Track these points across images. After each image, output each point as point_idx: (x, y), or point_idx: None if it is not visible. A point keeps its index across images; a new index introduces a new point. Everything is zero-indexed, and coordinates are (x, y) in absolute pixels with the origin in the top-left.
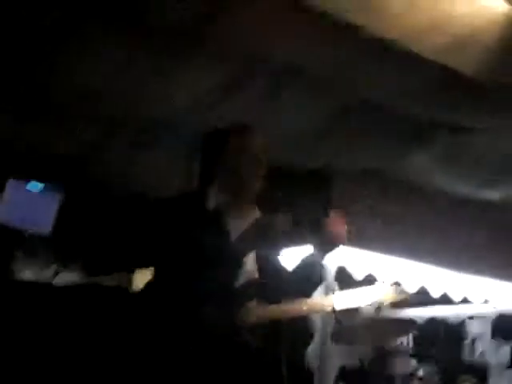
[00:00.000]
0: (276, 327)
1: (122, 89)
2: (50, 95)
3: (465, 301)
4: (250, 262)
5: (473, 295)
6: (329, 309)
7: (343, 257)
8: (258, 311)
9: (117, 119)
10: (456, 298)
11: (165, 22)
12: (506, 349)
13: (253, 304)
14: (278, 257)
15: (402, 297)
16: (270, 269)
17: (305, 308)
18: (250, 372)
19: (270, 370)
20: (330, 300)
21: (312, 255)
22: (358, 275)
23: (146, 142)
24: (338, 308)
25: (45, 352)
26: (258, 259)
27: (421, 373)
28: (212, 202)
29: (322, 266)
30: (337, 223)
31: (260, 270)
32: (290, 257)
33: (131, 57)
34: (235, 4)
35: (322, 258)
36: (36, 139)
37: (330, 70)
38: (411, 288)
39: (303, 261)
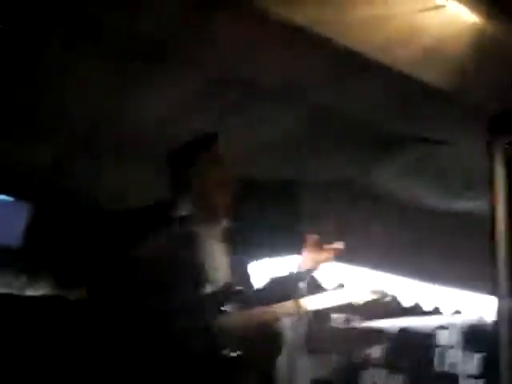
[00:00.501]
0: (250, 335)
1: (91, 101)
2: (19, 109)
3: (435, 311)
4: (223, 267)
5: (443, 306)
6: (302, 311)
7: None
8: (234, 318)
9: (86, 131)
10: (427, 308)
11: (137, 35)
12: (475, 359)
13: (229, 311)
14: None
15: (376, 297)
16: (243, 275)
17: (279, 311)
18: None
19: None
20: (302, 303)
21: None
22: (328, 285)
23: (115, 154)
24: (310, 309)
25: (12, 363)
26: (233, 265)
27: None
28: (181, 213)
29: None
30: (313, 247)
31: (234, 275)
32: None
33: (102, 69)
34: (209, 19)
35: (304, 279)
36: (4, 151)
37: (300, 81)
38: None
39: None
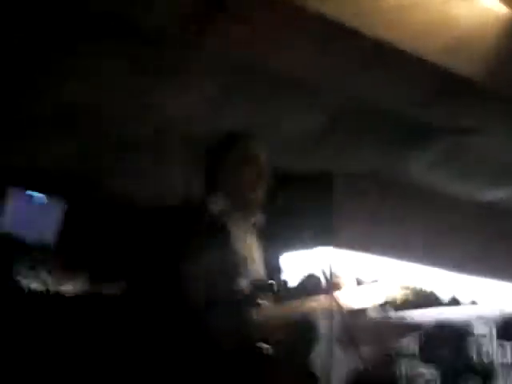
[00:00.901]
0: (286, 329)
1: (120, 102)
2: (52, 110)
3: (471, 302)
4: (258, 261)
5: (478, 296)
6: (337, 306)
7: (347, 260)
8: (268, 311)
9: (116, 132)
10: (463, 299)
11: (159, 36)
12: (510, 349)
13: (263, 304)
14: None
15: (412, 295)
16: (277, 268)
17: (314, 305)
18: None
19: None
20: (337, 297)
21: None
22: (364, 278)
23: (146, 153)
24: (345, 306)
25: (49, 360)
26: (267, 259)
27: (426, 374)
28: (215, 210)
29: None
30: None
31: (268, 269)
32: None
33: (129, 71)
34: (228, 12)
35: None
36: (38, 152)
37: (327, 74)
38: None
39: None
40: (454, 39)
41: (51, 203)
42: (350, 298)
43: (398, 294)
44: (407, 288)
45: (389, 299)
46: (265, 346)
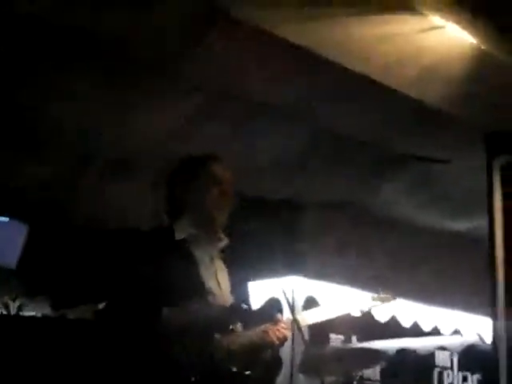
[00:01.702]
0: (255, 354)
1: (90, 121)
2: (19, 128)
3: (434, 331)
4: (225, 286)
5: (442, 326)
6: (300, 326)
7: (311, 288)
8: (238, 338)
9: (86, 151)
10: (426, 328)
11: (137, 56)
12: (473, 380)
13: (231, 330)
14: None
15: (379, 302)
16: (243, 294)
17: (276, 331)
18: None
19: None
20: (300, 318)
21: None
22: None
23: (114, 173)
24: (309, 323)
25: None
26: (233, 284)
27: None
28: (180, 234)
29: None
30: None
31: (235, 294)
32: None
33: (100, 88)
34: (207, 39)
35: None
36: (1, 173)
37: (301, 101)
38: (382, 318)
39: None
40: (423, 69)
41: (14, 226)
42: (313, 317)
43: (365, 307)
44: (375, 299)
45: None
46: (237, 371)
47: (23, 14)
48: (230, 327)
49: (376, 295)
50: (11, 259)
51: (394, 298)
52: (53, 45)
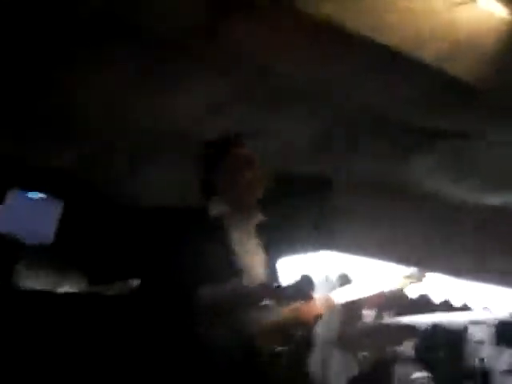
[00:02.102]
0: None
1: (122, 102)
2: (51, 108)
3: (467, 306)
4: (258, 264)
5: (475, 300)
6: (334, 304)
7: (345, 263)
8: (272, 314)
9: (117, 131)
10: (458, 303)
11: (164, 37)
12: (508, 355)
13: (268, 307)
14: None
15: (411, 281)
16: (275, 271)
17: (312, 307)
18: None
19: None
20: (333, 296)
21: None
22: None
23: (146, 153)
24: (342, 301)
25: (46, 361)
26: (267, 261)
27: (422, 379)
28: (214, 212)
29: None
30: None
31: (268, 272)
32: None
33: (130, 73)
34: (235, 16)
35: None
36: (37, 151)
37: (330, 79)
38: (414, 293)
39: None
40: (456, 44)
41: (49, 203)
42: (347, 295)
43: (397, 286)
44: (407, 278)
45: (386, 293)
46: (272, 348)
47: None
48: (263, 304)
49: (408, 274)
50: (47, 235)
51: (426, 277)
52: (81, 29)
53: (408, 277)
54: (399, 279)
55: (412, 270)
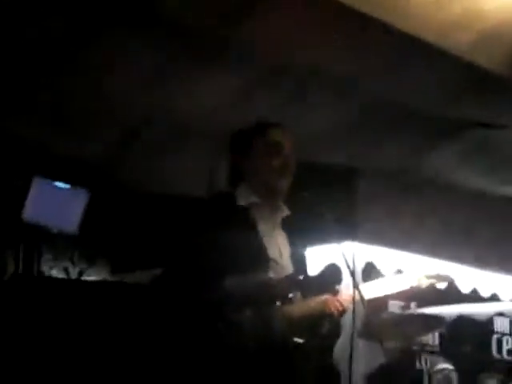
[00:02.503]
0: (313, 322)
1: (146, 91)
2: (76, 99)
3: (493, 297)
4: (285, 255)
5: (501, 292)
6: (360, 298)
7: (370, 253)
8: (298, 306)
9: (142, 121)
10: (485, 293)
11: (189, 25)
12: None
13: (294, 299)
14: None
15: (437, 280)
16: (302, 262)
17: (337, 298)
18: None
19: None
20: (361, 290)
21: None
22: (386, 271)
23: (171, 142)
24: (369, 296)
25: (70, 348)
26: (293, 252)
27: (447, 370)
28: (241, 202)
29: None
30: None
31: (295, 263)
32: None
33: (155, 60)
34: (260, 6)
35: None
36: (62, 141)
37: (355, 68)
38: (440, 284)
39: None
40: (482, 33)
41: (75, 192)
42: (374, 290)
43: (423, 284)
44: (432, 278)
45: (413, 290)
46: (296, 339)
47: None
48: (290, 296)
49: (432, 274)
50: (72, 225)
51: (449, 278)
52: (105, 18)
53: (431, 277)
54: (422, 279)
55: (436, 270)
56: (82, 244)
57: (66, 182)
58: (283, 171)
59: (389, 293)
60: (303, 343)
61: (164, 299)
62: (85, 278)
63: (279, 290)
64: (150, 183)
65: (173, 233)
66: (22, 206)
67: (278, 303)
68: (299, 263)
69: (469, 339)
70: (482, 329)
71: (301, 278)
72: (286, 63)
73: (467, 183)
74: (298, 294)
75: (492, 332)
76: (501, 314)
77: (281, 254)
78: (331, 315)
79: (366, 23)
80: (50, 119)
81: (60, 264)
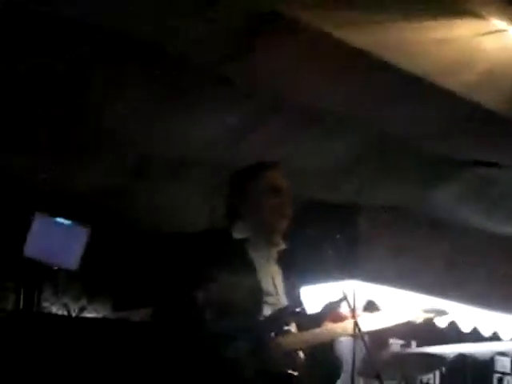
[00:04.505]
0: (310, 355)
1: (147, 127)
2: (78, 135)
3: (494, 336)
4: (279, 289)
5: (501, 331)
6: (359, 333)
7: (371, 292)
8: (294, 339)
9: (142, 158)
10: (485, 333)
11: (190, 62)
12: None
13: (289, 332)
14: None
15: (434, 315)
16: (297, 297)
17: (337, 333)
18: None
19: None
20: (360, 322)
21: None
22: (386, 309)
23: (171, 179)
24: (368, 329)
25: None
26: (288, 287)
27: None
28: (237, 236)
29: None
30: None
31: (289, 297)
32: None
33: (156, 96)
34: (260, 45)
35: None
36: (63, 177)
37: (355, 107)
38: (441, 322)
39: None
40: (482, 73)
41: (76, 229)
42: (373, 323)
43: (421, 318)
44: (430, 312)
45: (411, 323)
46: (292, 372)
47: (73, 19)
48: (286, 328)
49: (429, 308)
50: (73, 261)
51: (446, 313)
52: (107, 53)
53: (428, 311)
54: (419, 313)
55: (433, 304)
56: (82, 280)
57: (67, 218)
58: (282, 211)
59: (386, 326)
60: (299, 375)
61: (162, 336)
62: (85, 314)
63: (275, 322)
64: (151, 219)
65: (169, 269)
66: (23, 242)
67: (273, 335)
68: (293, 298)
69: (470, 379)
70: (482, 368)
71: (297, 310)
72: (286, 100)
73: (468, 221)
74: (293, 327)
75: (493, 371)
76: (502, 354)
77: (276, 288)
78: (327, 347)
79: (368, 63)
80: (50, 155)
81: (60, 300)
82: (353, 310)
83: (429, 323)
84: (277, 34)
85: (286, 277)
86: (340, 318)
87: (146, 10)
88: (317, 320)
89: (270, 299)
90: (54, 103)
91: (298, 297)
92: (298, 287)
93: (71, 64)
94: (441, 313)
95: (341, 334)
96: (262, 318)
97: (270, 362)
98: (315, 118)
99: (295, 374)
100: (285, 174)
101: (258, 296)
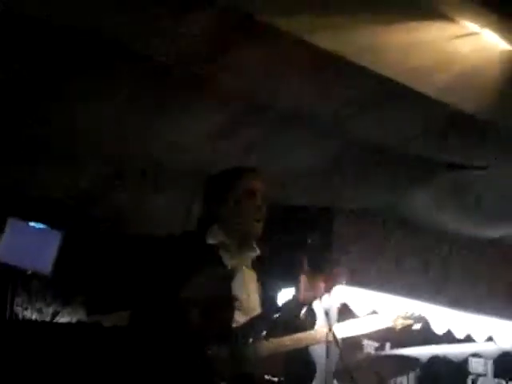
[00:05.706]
0: (285, 363)
1: (123, 131)
2: (51, 139)
3: (468, 338)
4: (254, 295)
5: (475, 333)
6: (332, 338)
7: (346, 294)
8: (267, 345)
9: (118, 161)
10: (459, 335)
11: (165, 63)
12: None
13: (262, 338)
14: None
15: (410, 322)
16: (273, 302)
17: (312, 339)
18: None
19: None
20: (333, 330)
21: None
22: (361, 312)
23: (147, 183)
24: (343, 336)
25: None
26: (263, 292)
27: None
28: (210, 241)
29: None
30: (308, 282)
31: (265, 303)
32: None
33: (132, 99)
34: (235, 45)
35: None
36: (37, 181)
37: (331, 110)
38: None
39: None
40: (455, 76)
41: (49, 233)
42: (348, 330)
43: (398, 325)
44: (406, 319)
45: (387, 330)
46: (268, 378)
47: (57, 25)
48: (260, 334)
49: (407, 314)
50: (46, 265)
51: (424, 319)
52: (84, 57)
53: (406, 318)
54: (397, 319)
55: (411, 310)
56: (56, 285)
57: (40, 222)
58: (256, 216)
59: (363, 333)
60: (275, 381)
61: (137, 340)
62: (59, 319)
63: (249, 328)
64: (126, 223)
65: (142, 273)
66: None
67: (247, 341)
68: (268, 302)
69: (444, 380)
70: (456, 370)
71: (271, 316)
72: (265, 104)
73: (446, 224)
74: (268, 333)
75: (467, 373)
76: (476, 355)
77: (248, 293)
78: (303, 354)
79: (343, 66)
80: (23, 159)
81: (34, 305)
82: (327, 315)
83: (407, 330)
84: (250, 37)
85: (262, 281)
86: (313, 276)
87: (117, 11)
88: (292, 327)
89: (242, 304)
90: (25, 107)
91: (275, 301)
92: (275, 291)
93: (41, 67)
94: (419, 319)
95: (318, 341)
96: (235, 325)
97: (246, 368)
98: (290, 123)
99: (272, 379)
100: (260, 178)
101: (229, 301)
